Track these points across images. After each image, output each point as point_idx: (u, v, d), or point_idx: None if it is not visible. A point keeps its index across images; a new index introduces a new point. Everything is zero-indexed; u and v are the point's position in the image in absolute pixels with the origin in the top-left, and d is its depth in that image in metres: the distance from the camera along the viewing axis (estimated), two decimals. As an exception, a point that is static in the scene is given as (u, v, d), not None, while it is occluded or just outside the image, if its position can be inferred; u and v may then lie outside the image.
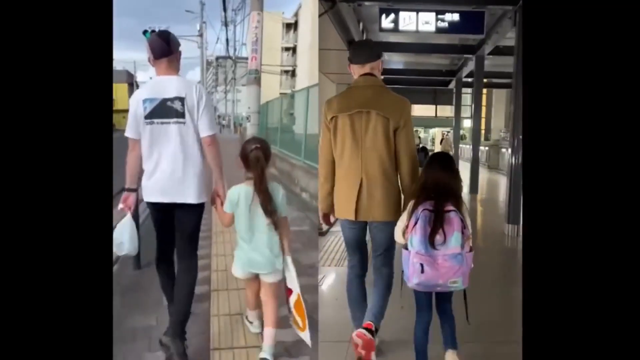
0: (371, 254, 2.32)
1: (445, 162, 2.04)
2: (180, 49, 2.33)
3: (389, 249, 2.22)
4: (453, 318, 2.05)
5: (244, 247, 2.17)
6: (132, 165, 2.28)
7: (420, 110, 23.98)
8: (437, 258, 1.88)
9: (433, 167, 2.03)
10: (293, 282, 2.15)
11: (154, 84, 2.27)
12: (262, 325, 2.30)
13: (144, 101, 2.22)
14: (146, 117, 2.22)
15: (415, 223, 1.91)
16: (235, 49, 23.50)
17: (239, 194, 2.14)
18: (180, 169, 2.23)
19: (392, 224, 2.10)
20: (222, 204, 2.24)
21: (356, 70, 2.23)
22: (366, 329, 2.08)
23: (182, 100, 2.20)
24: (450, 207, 1.92)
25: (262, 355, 2.10)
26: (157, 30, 2.43)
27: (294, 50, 35.40)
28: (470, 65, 9.63)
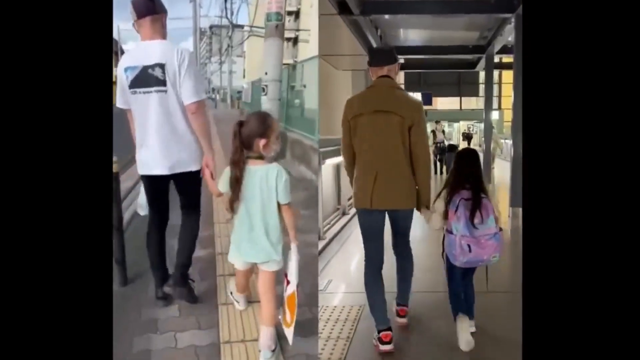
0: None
1: (473, 157, 2.54)
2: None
3: (405, 233, 2.65)
4: (473, 290, 2.59)
5: (241, 233, 2.15)
6: (135, 134, 2.39)
7: (444, 103, 23.63)
8: (480, 239, 2.37)
9: (464, 161, 2.51)
10: (293, 274, 2.13)
11: (136, 50, 2.29)
12: (247, 303, 2.48)
13: (126, 70, 2.25)
14: (130, 87, 2.26)
15: (456, 210, 2.39)
16: (232, 12, 22.71)
17: (226, 174, 2.13)
18: (166, 140, 2.29)
19: (408, 211, 2.55)
20: (211, 174, 2.30)
21: (375, 72, 2.57)
22: (402, 315, 2.67)
23: (162, 66, 2.21)
24: (482, 195, 2.41)
25: (266, 357, 2.08)
26: None
27: (297, 14, 34.81)
28: (507, 35, 8.23)
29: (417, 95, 14.21)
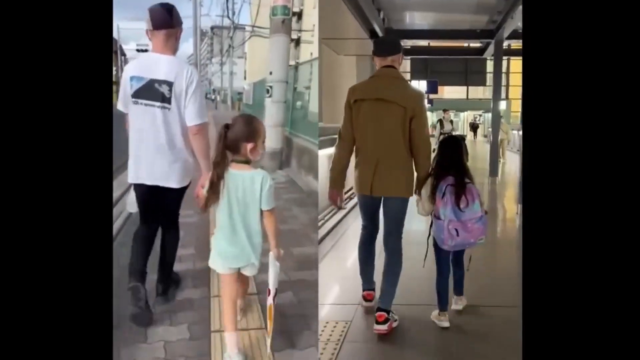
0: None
1: (456, 144, 2.69)
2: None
3: (398, 224, 2.68)
4: (463, 269, 2.81)
5: (221, 236, 2.14)
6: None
7: (450, 92, 23.56)
8: (467, 223, 2.55)
9: (447, 148, 2.67)
10: (271, 283, 2.15)
11: (145, 61, 2.35)
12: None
13: (131, 78, 2.31)
14: (132, 96, 2.32)
15: (442, 197, 2.54)
16: (233, 12, 22.57)
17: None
18: (162, 154, 2.35)
19: (404, 200, 2.65)
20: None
21: (379, 62, 2.70)
22: (380, 322, 2.54)
23: (170, 85, 2.27)
24: (467, 180, 2.58)
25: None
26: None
27: (299, 15, 34.88)
28: (517, 19, 7.87)
29: (423, 83, 14.16)
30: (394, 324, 2.63)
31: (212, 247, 2.19)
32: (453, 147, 2.67)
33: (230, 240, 2.11)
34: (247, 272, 2.17)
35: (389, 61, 2.68)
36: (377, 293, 2.72)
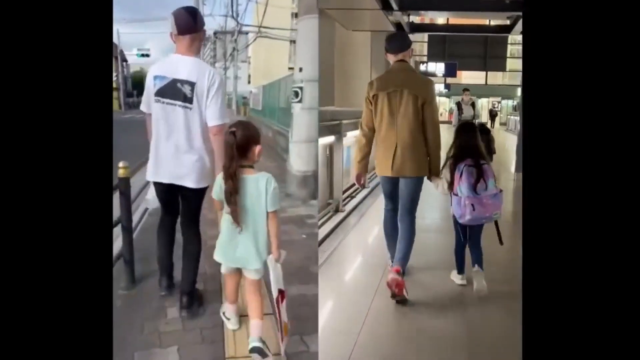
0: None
1: (472, 129, 3.19)
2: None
3: (413, 201, 3.15)
4: (481, 245, 3.13)
5: (227, 237, 2.27)
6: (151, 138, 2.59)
7: (468, 77, 23.44)
8: (483, 199, 2.98)
9: (465, 133, 3.16)
10: (275, 285, 2.25)
11: (169, 61, 2.50)
12: (239, 322, 2.55)
13: (155, 77, 2.47)
14: (155, 95, 2.46)
15: (460, 175, 2.99)
16: (237, 14, 22.51)
17: (220, 181, 2.26)
18: (181, 153, 2.48)
19: (420, 179, 3.12)
20: None
21: (391, 58, 3.20)
22: (397, 272, 2.99)
23: (192, 85, 2.39)
24: (483, 161, 3.03)
25: (253, 344, 2.22)
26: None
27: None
28: None
29: (440, 66, 14.36)
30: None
31: (218, 245, 2.34)
32: (469, 131, 3.14)
33: (236, 241, 2.25)
34: (249, 275, 2.29)
35: (400, 56, 3.16)
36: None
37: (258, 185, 2.20)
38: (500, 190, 3.03)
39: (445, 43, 13.24)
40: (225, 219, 2.27)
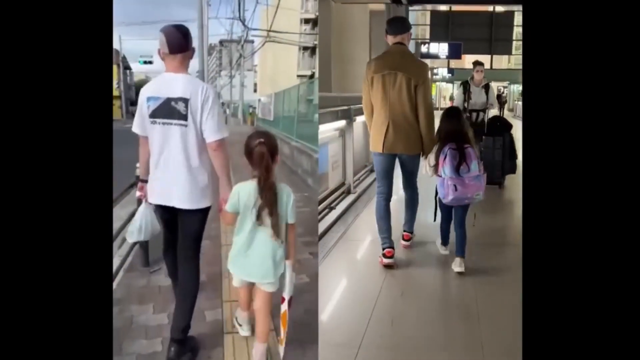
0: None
1: (454, 114, 3.44)
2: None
3: (412, 173, 3.57)
4: (464, 229, 3.40)
5: (241, 251, 2.31)
6: (143, 159, 2.61)
7: (472, 61, 23.29)
8: (465, 180, 3.24)
9: (449, 119, 3.39)
10: (287, 290, 2.34)
11: (160, 81, 2.53)
12: (252, 330, 2.60)
13: (148, 99, 2.48)
14: (150, 116, 2.49)
15: (445, 158, 3.24)
16: (244, 19, 22.46)
17: (239, 193, 2.28)
18: (180, 173, 2.48)
19: (414, 156, 3.47)
20: None
21: (390, 40, 3.48)
22: (406, 240, 3.72)
23: (185, 101, 2.41)
24: (467, 145, 3.27)
25: None
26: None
27: (315, 22, 35.27)
28: None
29: (444, 46, 14.15)
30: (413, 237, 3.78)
31: (231, 260, 2.38)
32: (453, 117, 3.40)
33: (251, 255, 2.30)
34: (265, 287, 2.35)
35: (399, 39, 3.44)
36: (396, 250, 3.51)
37: (281, 196, 2.27)
38: (484, 173, 3.29)
39: (448, 26, 13.19)
40: (242, 232, 2.30)
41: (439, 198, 3.45)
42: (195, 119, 2.44)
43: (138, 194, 2.69)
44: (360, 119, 5.69)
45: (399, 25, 3.50)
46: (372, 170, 5.88)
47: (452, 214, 3.50)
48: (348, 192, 5.55)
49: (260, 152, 2.22)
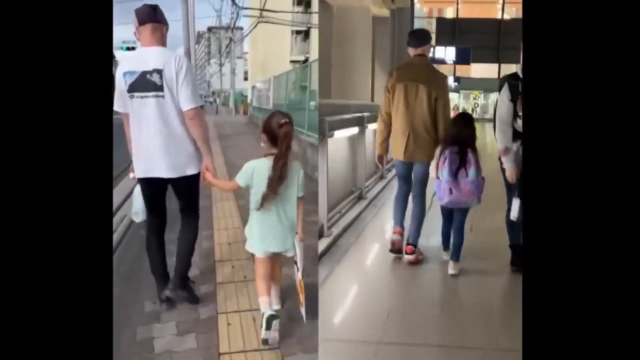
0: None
1: (464, 120, 3.57)
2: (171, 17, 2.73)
3: (422, 182, 3.82)
4: (462, 234, 3.59)
5: (266, 225, 2.57)
6: (129, 137, 2.74)
7: (479, 71, 23.24)
8: (460, 183, 3.42)
9: (456, 123, 3.55)
10: (299, 260, 2.65)
11: (135, 55, 2.68)
12: (279, 302, 2.83)
13: (124, 74, 2.60)
14: (128, 91, 2.61)
15: (444, 160, 3.42)
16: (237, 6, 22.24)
17: (254, 169, 2.52)
18: (163, 144, 2.64)
19: (428, 163, 3.71)
20: (213, 177, 2.75)
21: (412, 51, 3.82)
22: (409, 253, 3.75)
23: (160, 72, 2.56)
24: (468, 150, 3.42)
25: (276, 308, 2.65)
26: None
27: (307, 3, 34.84)
28: None
29: (451, 50, 14.32)
30: (420, 257, 3.82)
31: (253, 234, 2.63)
32: (460, 122, 3.56)
33: (276, 228, 2.58)
34: (290, 253, 2.67)
35: (420, 50, 3.78)
36: (406, 234, 3.86)
37: (292, 172, 2.56)
38: (483, 179, 3.46)
39: (454, 33, 13.32)
40: (262, 211, 2.53)
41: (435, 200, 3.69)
42: (172, 88, 2.59)
43: (132, 175, 2.86)
44: (372, 126, 5.82)
45: (420, 37, 3.83)
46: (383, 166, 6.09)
47: (452, 218, 3.65)
48: (359, 197, 5.81)
49: (287, 132, 2.48)
